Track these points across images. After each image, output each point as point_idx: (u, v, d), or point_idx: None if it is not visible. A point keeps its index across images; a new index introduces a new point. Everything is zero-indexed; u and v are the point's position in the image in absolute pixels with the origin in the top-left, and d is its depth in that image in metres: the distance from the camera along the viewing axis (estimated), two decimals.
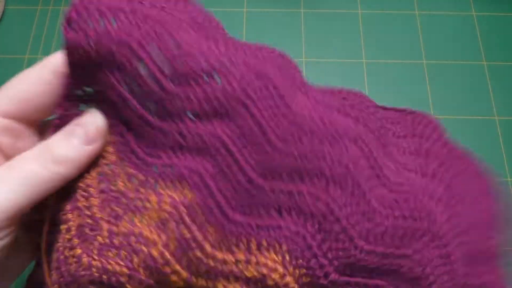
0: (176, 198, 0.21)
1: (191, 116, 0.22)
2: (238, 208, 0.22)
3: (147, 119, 0.22)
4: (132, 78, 0.21)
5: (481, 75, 0.46)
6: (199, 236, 0.21)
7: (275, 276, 0.21)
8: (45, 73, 0.23)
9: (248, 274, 0.21)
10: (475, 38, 0.48)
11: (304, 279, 0.22)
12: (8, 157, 0.23)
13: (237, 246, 0.22)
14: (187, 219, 0.21)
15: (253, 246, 0.22)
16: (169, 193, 0.22)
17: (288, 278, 0.22)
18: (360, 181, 0.22)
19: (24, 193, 0.21)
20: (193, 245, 0.21)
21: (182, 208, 0.21)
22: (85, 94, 0.23)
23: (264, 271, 0.21)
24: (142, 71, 0.21)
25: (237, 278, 0.22)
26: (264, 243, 0.22)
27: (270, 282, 0.21)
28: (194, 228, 0.21)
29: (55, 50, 0.46)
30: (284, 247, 0.22)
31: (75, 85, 0.22)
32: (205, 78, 0.21)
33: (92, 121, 0.22)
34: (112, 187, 0.22)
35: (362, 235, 0.22)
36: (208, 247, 0.21)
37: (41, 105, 0.23)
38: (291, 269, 0.22)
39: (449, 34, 0.48)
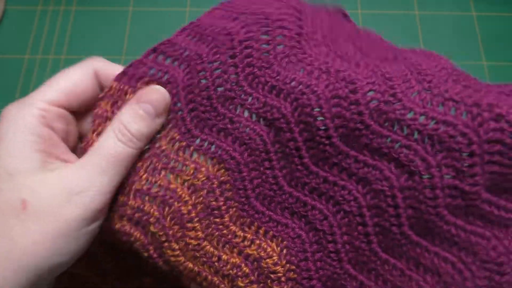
0: (211, 171, 0.26)
1: (247, 113, 0.26)
2: (260, 198, 0.26)
3: (211, 97, 0.26)
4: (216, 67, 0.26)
5: (481, 75, 0.46)
6: (223, 208, 0.26)
7: (269, 261, 0.26)
8: (88, 72, 0.26)
9: (249, 251, 0.26)
10: (475, 38, 0.48)
11: (291, 275, 0.25)
12: (63, 140, 0.26)
13: (249, 227, 0.26)
14: (217, 191, 0.26)
15: (261, 231, 0.26)
16: (205, 165, 0.26)
17: (279, 268, 0.26)
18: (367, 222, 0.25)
19: (117, 171, 0.24)
20: (216, 212, 0.26)
21: (215, 181, 0.26)
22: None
23: (262, 254, 0.26)
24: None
25: (240, 252, 0.26)
26: (271, 233, 0.26)
27: (263, 265, 0.26)
28: (221, 200, 0.26)
29: (55, 50, 0.46)
30: (285, 243, 0.26)
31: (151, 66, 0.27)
32: (271, 91, 0.25)
33: (160, 98, 0.26)
34: (156, 144, 0.26)
35: (351, 262, 0.25)
36: (227, 218, 0.26)
37: (85, 98, 0.26)
38: (284, 262, 0.26)
39: (449, 34, 0.48)
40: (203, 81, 0.26)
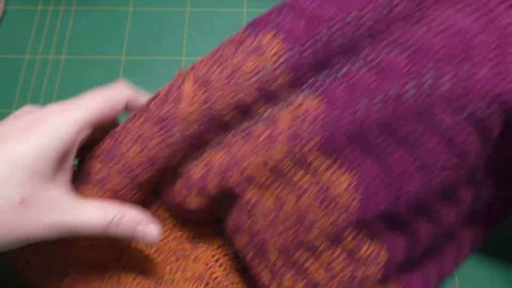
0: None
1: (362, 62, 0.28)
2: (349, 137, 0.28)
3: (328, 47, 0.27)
4: None
5: None
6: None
7: (335, 190, 0.27)
8: (123, 100, 0.29)
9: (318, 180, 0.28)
10: None
11: (355, 204, 0.27)
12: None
13: (330, 156, 0.28)
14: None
15: (338, 163, 0.28)
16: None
17: (345, 194, 0.27)
18: None
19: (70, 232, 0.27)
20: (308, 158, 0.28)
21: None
22: None
23: (332, 181, 0.27)
24: None
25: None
26: (346, 165, 0.28)
27: (332, 191, 0.27)
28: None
29: (55, 50, 0.46)
30: (357, 175, 0.27)
31: None
32: None
33: (156, 238, 0.30)
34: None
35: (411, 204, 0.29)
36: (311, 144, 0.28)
37: (107, 123, 0.29)
38: (350, 192, 0.27)
39: None
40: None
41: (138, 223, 0.29)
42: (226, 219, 0.32)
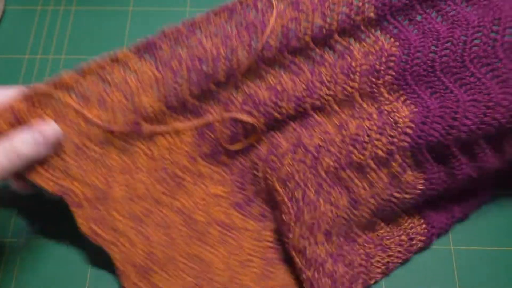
0: (386, 46, 0.34)
1: (436, 14, 0.34)
2: (413, 75, 0.33)
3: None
4: None
5: None
6: (382, 71, 0.33)
7: (397, 114, 0.33)
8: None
9: (386, 108, 0.33)
10: None
11: (408, 130, 0.32)
12: None
13: (394, 92, 0.34)
14: (383, 59, 0.33)
15: (402, 99, 0.33)
16: (383, 41, 0.34)
17: (401, 120, 0.32)
18: None
19: None
20: (375, 74, 0.33)
21: (385, 53, 0.33)
22: None
23: (394, 110, 0.33)
24: None
25: (378, 107, 0.33)
26: (408, 101, 0.33)
27: (391, 116, 0.33)
28: (383, 66, 0.33)
29: (55, 50, 0.46)
30: (415, 109, 0.32)
31: None
32: None
33: (52, 132, 0.30)
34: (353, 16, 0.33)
35: (460, 146, 0.33)
36: (381, 81, 0.33)
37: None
38: (407, 119, 0.32)
39: None
40: (433, 48, 0.32)
41: (32, 129, 0.30)
42: (279, 140, 0.34)
